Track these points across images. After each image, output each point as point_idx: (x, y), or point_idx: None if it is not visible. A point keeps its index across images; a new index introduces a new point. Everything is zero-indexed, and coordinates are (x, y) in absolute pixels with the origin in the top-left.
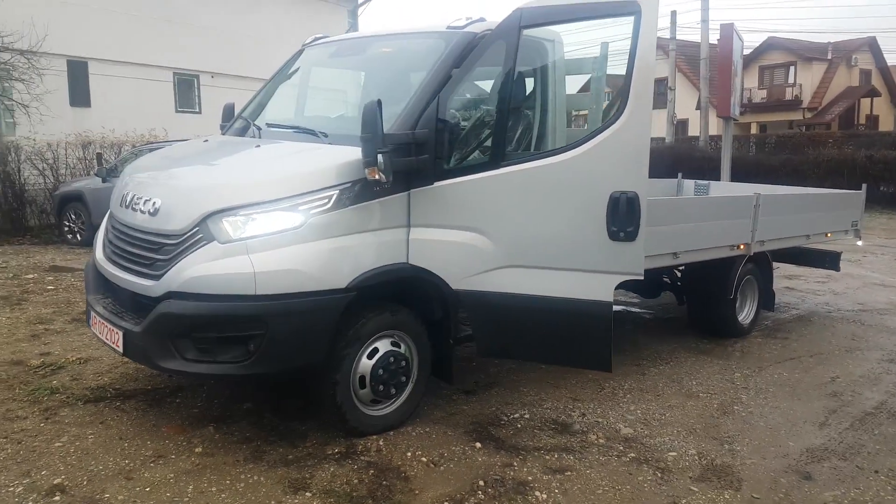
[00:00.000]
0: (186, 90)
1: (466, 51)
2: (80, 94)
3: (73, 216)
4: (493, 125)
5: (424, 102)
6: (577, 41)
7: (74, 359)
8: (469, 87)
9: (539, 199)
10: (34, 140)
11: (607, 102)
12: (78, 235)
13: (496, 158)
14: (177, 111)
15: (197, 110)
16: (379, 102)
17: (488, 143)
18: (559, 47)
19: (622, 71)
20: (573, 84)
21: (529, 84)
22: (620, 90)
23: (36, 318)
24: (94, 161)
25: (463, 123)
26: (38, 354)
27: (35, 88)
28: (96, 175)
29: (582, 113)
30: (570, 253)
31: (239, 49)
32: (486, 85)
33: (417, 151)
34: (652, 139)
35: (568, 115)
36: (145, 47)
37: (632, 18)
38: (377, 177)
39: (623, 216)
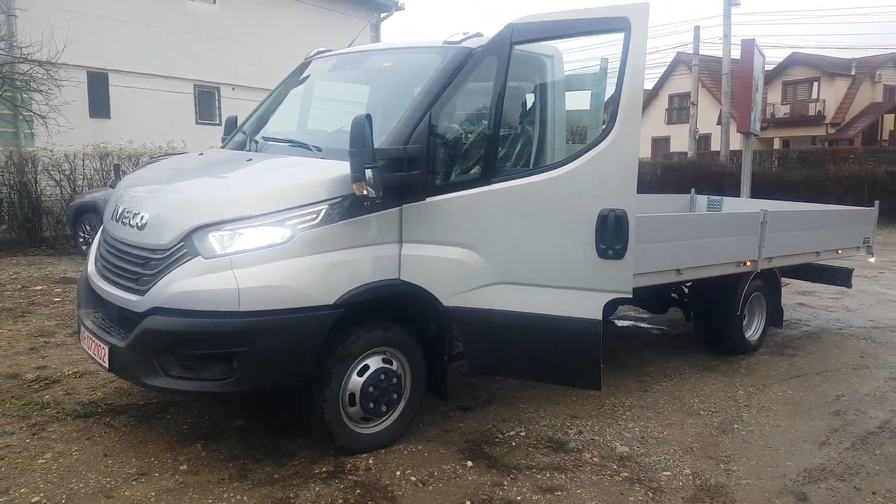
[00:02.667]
0: (207, 102)
1: (461, 66)
2: (99, 105)
3: (88, 227)
4: (485, 141)
5: (417, 117)
6: (579, 57)
7: (70, 373)
8: (462, 102)
9: (529, 216)
10: (52, 151)
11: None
12: None
13: (487, 174)
14: (197, 122)
15: (217, 122)
16: (368, 117)
17: (480, 158)
18: (558, 63)
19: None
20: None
21: (526, 99)
22: (610, 107)
23: (38, 330)
24: (112, 172)
25: (455, 139)
26: (34, 368)
27: (54, 99)
28: (111, 186)
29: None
30: (560, 270)
31: (261, 61)
32: (483, 100)
33: (409, 167)
34: (674, 154)
35: (570, 131)
36: (167, 59)
37: (622, 35)
38: (365, 192)
39: (612, 234)
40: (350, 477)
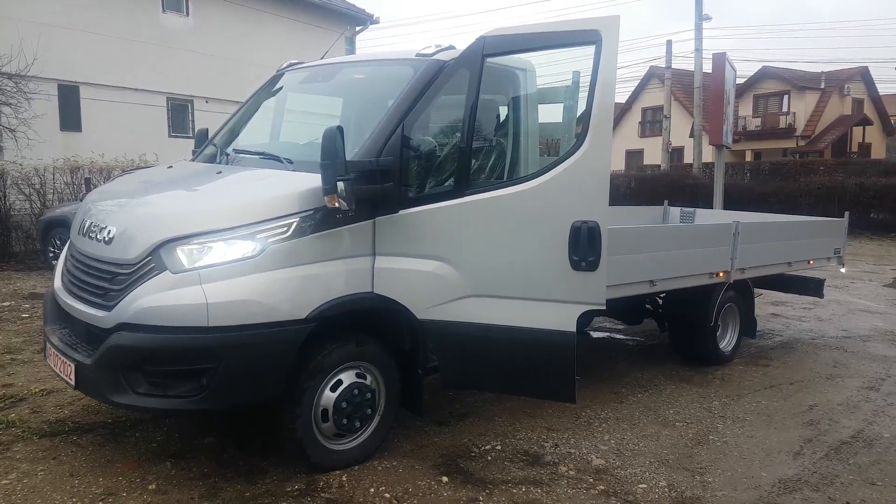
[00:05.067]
0: (180, 114)
1: (433, 78)
2: (71, 118)
3: (57, 241)
4: (458, 153)
5: (390, 129)
6: (552, 71)
7: (38, 390)
8: (435, 114)
9: (502, 228)
10: (21, 165)
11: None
12: None
13: (460, 186)
14: (170, 136)
15: (190, 135)
16: (340, 129)
17: (453, 171)
18: (531, 76)
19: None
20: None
21: (499, 112)
22: (581, 119)
23: (5, 347)
24: (83, 186)
25: (428, 151)
26: (0, 386)
27: (23, 112)
28: (81, 200)
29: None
30: (533, 282)
31: (234, 74)
32: (456, 112)
33: (382, 179)
34: (648, 166)
35: (543, 144)
36: (139, 72)
37: (592, 48)
38: (337, 204)
39: (584, 246)
40: (323, 494)
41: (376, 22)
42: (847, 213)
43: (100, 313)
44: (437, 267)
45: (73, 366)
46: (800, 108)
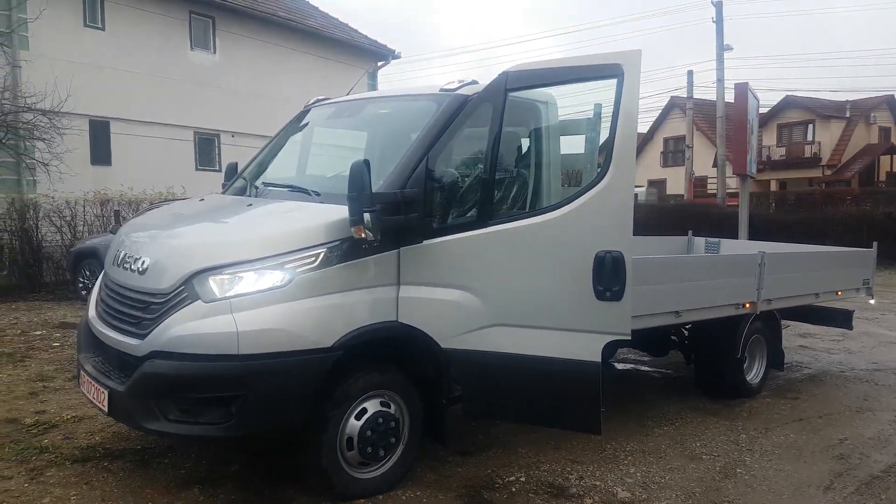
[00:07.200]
0: (207, 148)
1: (457, 112)
2: (101, 152)
3: (87, 272)
4: (481, 184)
5: (414, 162)
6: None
7: (69, 417)
8: (459, 147)
9: (526, 258)
10: (53, 197)
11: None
12: None
13: (483, 217)
14: (197, 169)
15: (217, 168)
16: (366, 162)
17: (476, 202)
18: (553, 109)
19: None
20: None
21: (521, 144)
22: (604, 150)
23: (37, 375)
24: (112, 218)
25: (452, 182)
26: (33, 412)
27: (56, 147)
28: (110, 232)
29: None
30: (557, 312)
31: (260, 108)
32: (479, 145)
33: (406, 210)
34: (671, 196)
35: (565, 175)
36: (167, 107)
37: (614, 81)
38: (363, 235)
39: (609, 275)
40: None
41: (398, 57)
42: (875, 244)
43: (133, 341)
44: (460, 296)
45: (106, 393)
46: (825, 138)
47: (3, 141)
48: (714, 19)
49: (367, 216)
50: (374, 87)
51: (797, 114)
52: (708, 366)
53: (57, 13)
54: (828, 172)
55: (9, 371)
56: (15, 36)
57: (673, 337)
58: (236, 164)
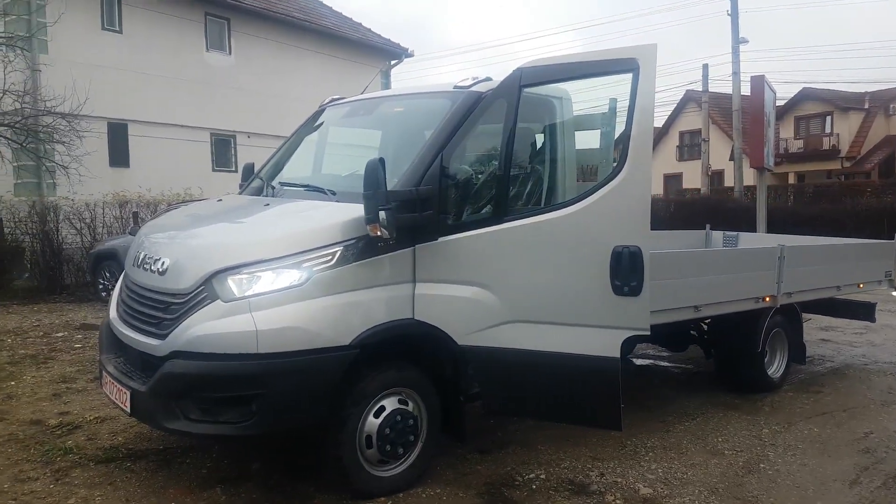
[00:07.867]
0: (223, 149)
1: (471, 109)
2: (119, 154)
3: (107, 274)
4: (496, 181)
5: (429, 159)
6: (589, 98)
7: (92, 418)
8: (473, 143)
9: (542, 254)
10: (73, 200)
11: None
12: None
13: (499, 213)
14: (213, 170)
15: (233, 169)
16: (381, 160)
17: (492, 198)
18: (567, 104)
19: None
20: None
21: (536, 140)
22: (620, 145)
23: (60, 376)
24: (131, 220)
25: (467, 179)
26: (56, 414)
27: (75, 150)
28: (129, 234)
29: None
30: (575, 308)
31: (275, 109)
32: (493, 141)
33: (422, 207)
34: (687, 190)
35: (581, 170)
36: (184, 109)
37: (630, 75)
38: (379, 233)
39: (626, 270)
40: None
41: (411, 55)
42: None
43: (154, 342)
44: (476, 293)
45: (128, 393)
46: (843, 129)
47: (24, 144)
48: (729, 12)
49: (382, 214)
50: (387, 85)
51: (815, 106)
52: (728, 361)
53: (75, 17)
54: (847, 164)
55: (32, 373)
56: (34, 40)
57: (692, 332)
58: (253, 164)
